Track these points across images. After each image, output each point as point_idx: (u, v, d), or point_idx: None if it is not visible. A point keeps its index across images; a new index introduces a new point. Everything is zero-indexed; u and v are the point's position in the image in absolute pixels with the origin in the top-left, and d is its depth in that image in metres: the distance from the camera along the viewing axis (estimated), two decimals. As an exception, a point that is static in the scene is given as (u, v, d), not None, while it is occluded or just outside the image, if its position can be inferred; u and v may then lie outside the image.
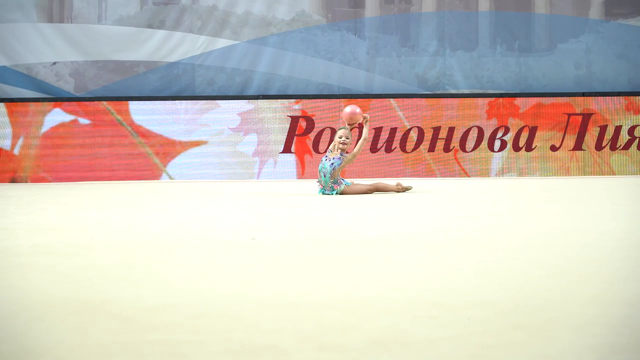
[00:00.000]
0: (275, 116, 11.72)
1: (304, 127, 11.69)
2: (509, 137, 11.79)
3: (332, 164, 8.78)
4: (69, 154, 11.54)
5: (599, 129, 11.81)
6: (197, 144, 11.69)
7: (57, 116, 11.53)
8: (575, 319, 3.01)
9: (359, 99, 11.72)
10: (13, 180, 11.52)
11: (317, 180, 8.97)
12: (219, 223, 6.32)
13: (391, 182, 9.26)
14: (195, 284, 3.74)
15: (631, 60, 12.10)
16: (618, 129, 11.81)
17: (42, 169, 11.54)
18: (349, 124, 8.92)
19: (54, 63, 11.78)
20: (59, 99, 11.62)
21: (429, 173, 11.74)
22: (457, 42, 12.03)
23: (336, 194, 8.79)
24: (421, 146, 11.75)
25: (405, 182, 9.59)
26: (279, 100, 11.75)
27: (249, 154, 11.73)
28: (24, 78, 11.75)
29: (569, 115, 11.82)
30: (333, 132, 11.58)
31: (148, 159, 11.63)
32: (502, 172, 11.79)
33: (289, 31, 11.95)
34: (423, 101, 11.79)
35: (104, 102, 11.58)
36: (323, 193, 8.85)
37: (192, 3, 11.87)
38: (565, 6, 12.09)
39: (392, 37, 12.03)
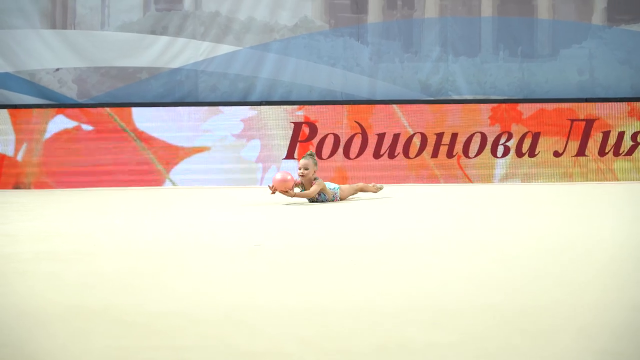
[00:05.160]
0: (278, 122, 11.72)
1: (307, 133, 11.69)
2: (512, 143, 11.78)
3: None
4: (72, 160, 11.55)
5: (602, 134, 11.80)
6: (200, 150, 11.69)
7: (60, 122, 11.54)
8: (576, 323, 3.01)
9: (362, 105, 11.72)
10: (16, 187, 11.53)
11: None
12: (222, 229, 6.32)
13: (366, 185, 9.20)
14: (198, 290, 3.75)
15: (634, 66, 12.09)
16: (621, 135, 11.80)
17: (46, 176, 11.54)
18: (280, 191, 8.29)
19: (57, 69, 11.79)
20: (62, 105, 11.64)
21: (432, 179, 11.74)
22: (459, 48, 12.03)
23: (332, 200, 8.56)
24: (424, 152, 11.75)
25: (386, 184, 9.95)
26: (282, 106, 11.75)
27: (252, 160, 11.73)
28: (27, 84, 11.77)
29: (572, 121, 11.81)
30: (336, 138, 11.60)
31: (151, 165, 11.64)
32: (505, 178, 11.78)
33: (292, 37, 11.95)
34: (426, 107, 11.79)
35: (107, 109, 11.59)
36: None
37: (195, 9, 11.88)
38: (567, 12, 12.09)
39: (394, 42, 12.03)
